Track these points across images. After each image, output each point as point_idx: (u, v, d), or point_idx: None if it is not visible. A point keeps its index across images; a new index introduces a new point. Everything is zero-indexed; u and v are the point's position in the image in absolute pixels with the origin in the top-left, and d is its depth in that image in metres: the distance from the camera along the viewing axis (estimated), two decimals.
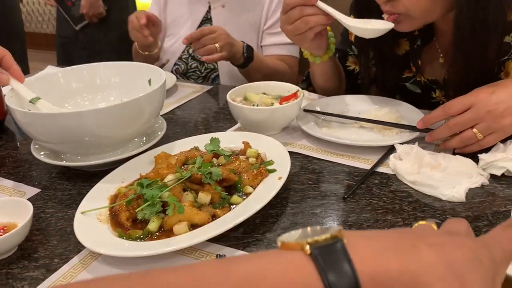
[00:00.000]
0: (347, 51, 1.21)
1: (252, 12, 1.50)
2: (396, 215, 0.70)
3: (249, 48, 1.34)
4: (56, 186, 0.84)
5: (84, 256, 0.64)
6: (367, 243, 0.34)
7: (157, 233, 0.64)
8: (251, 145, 0.81)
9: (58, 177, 0.86)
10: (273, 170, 0.74)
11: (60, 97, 0.96)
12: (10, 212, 0.70)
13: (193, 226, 0.64)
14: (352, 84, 1.23)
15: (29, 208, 0.68)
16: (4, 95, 0.91)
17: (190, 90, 1.31)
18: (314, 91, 1.23)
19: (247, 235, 0.66)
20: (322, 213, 0.71)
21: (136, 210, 0.65)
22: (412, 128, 0.90)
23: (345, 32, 1.21)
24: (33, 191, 0.82)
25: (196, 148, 0.84)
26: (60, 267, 0.63)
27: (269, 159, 0.78)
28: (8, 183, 0.85)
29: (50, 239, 0.69)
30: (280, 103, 0.96)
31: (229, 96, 0.98)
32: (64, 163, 0.85)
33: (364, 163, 0.84)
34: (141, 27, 1.34)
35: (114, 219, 0.68)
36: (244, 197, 0.70)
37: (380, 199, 0.74)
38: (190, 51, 1.54)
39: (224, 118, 1.11)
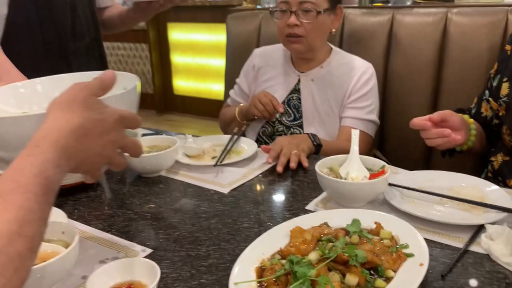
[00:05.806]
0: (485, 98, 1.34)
1: (337, 90, 1.62)
2: None
3: (315, 136, 1.43)
4: None
5: None
6: None
7: None
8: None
9: None
10: (411, 255, 0.77)
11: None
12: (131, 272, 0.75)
13: None
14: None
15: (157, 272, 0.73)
16: None
17: None
18: None
19: None
20: None
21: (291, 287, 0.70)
22: (500, 208, 0.93)
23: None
24: None
25: (326, 224, 0.89)
26: None
27: (403, 242, 0.81)
28: None
29: None
30: (370, 179, 1.03)
31: (317, 167, 1.06)
32: None
33: (455, 241, 0.87)
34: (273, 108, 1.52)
35: None
36: (386, 281, 0.73)
37: (478, 279, 0.76)
38: (277, 115, 1.66)
39: (308, 187, 1.17)
